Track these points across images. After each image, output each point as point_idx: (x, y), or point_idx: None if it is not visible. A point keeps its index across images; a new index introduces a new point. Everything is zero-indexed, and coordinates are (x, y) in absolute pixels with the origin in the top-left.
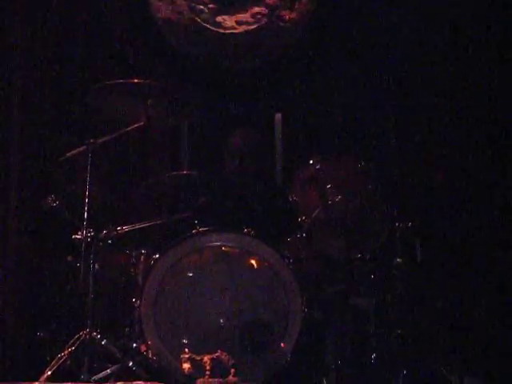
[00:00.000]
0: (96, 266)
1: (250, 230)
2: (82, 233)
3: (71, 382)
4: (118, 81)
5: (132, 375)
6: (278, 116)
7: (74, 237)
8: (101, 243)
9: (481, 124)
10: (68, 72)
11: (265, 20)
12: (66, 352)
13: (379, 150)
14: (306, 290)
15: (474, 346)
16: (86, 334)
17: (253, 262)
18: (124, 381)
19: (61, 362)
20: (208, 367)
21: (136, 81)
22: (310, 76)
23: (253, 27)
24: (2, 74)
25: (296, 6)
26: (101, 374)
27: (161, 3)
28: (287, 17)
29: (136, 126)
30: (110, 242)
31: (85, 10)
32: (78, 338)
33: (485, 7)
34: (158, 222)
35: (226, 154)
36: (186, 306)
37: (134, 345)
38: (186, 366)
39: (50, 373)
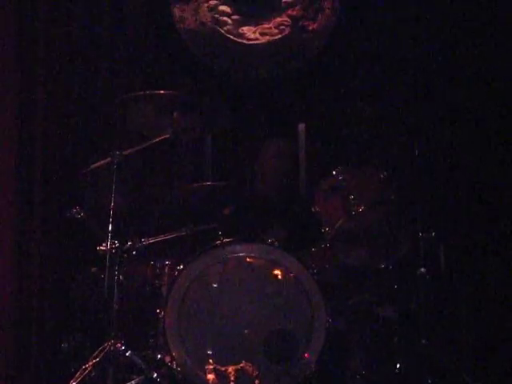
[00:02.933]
0: (120, 278)
1: (274, 240)
2: (107, 244)
3: None
4: (143, 92)
5: None
6: (302, 126)
7: (98, 248)
8: (125, 254)
9: (507, 134)
10: (93, 84)
11: (288, 31)
12: (91, 363)
13: (402, 159)
14: (330, 300)
15: (500, 356)
16: (110, 346)
17: (277, 272)
18: None
19: (85, 373)
20: (233, 378)
21: (161, 92)
22: (333, 86)
23: (276, 38)
24: (26, 85)
25: (319, 17)
26: None
27: (184, 14)
28: (310, 27)
29: (162, 138)
30: (134, 253)
31: (109, 21)
32: (103, 350)
33: None
34: (183, 233)
35: (250, 163)
36: (210, 316)
37: (159, 356)
38: (211, 376)
39: None
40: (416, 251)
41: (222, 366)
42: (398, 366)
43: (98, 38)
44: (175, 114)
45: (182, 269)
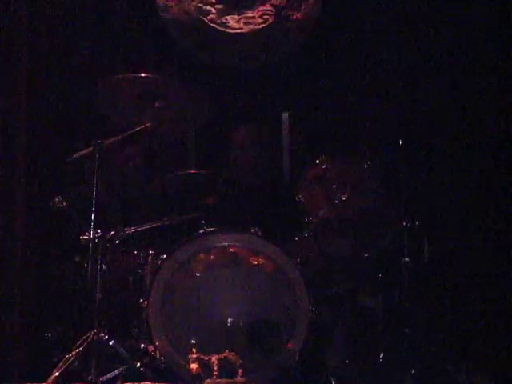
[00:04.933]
0: (103, 267)
1: (257, 229)
2: (90, 233)
3: (79, 382)
4: (125, 75)
5: (140, 376)
6: (285, 115)
7: (81, 237)
8: (108, 244)
9: (489, 123)
10: (75, 72)
11: (272, 20)
12: (74, 353)
13: (386, 149)
14: (313, 289)
15: (482, 345)
16: (93, 335)
17: (260, 261)
18: (132, 382)
19: (68, 362)
20: (216, 367)
21: (143, 75)
22: (317, 75)
23: (260, 27)
24: (8, 73)
25: (303, 7)
26: (108, 375)
27: (168, 3)
28: (294, 17)
29: (143, 127)
30: (117, 242)
31: (92, 9)
32: (86, 339)
33: None
34: (166, 222)
35: (231, 151)
36: (193, 306)
37: (142, 345)
38: (194, 366)
39: (57, 374)
40: (400, 241)
41: (206, 355)
42: (381, 355)
43: (80, 25)
44: (157, 104)
45: (166, 258)
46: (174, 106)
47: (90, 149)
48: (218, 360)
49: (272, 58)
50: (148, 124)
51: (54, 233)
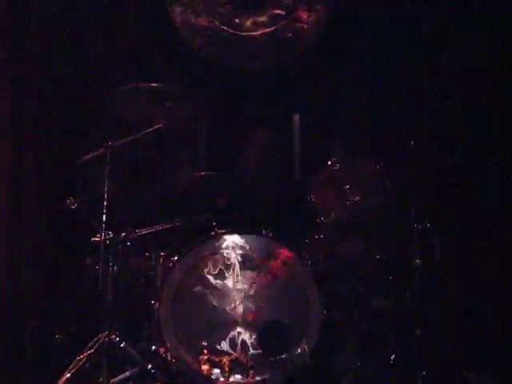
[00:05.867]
0: (115, 269)
1: (268, 231)
2: (101, 235)
3: None
4: (136, 84)
5: (151, 378)
6: (296, 117)
7: (93, 239)
8: (120, 245)
9: (500, 125)
10: (86, 74)
11: (283, 21)
12: (85, 354)
13: (397, 151)
14: (324, 290)
15: (493, 347)
16: (104, 337)
17: (271, 263)
18: (143, 383)
19: (80, 364)
20: (227, 369)
21: (154, 84)
22: (329, 77)
23: (271, 29)
24: (19, 76)
25: (314, 8)
26: (120, 377)
27: (179, 6)
28: (305, 18)
29: (154, 128)
30: (128, 244)
31: (102, 12)
32: (97, 341)
33: None
34: (177, 223)
35: (244, 153)
36: (204, 308)
37: (153, 347)
38: (205, 367)
39: (69, 375)
40: (411, 242)
41: (217, 356)
42: (392, 356)
43: (91, 28)
44: (168, 104)
45: (177, 260)
46: (184, 106)
47: (102, 150)
48: (229, 361)
49: (283, 59)
50: (160, 125)
51: (66, 234)
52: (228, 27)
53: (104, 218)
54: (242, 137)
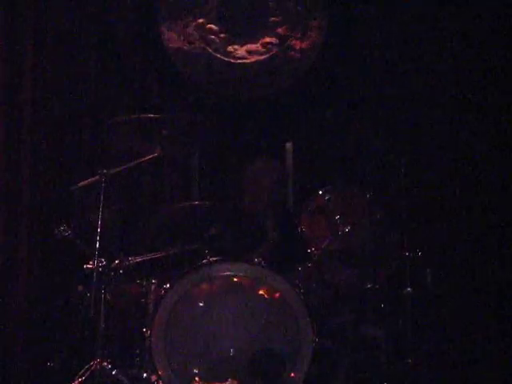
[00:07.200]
0: (107, 296)
1: (260, 260)
2: (94, 262)
3: None
4: (131, 116)
5: None
6: (289, 145)
7: (85, 266)
8: (112, 273)
9: (493, 159)
10: (80, 102)
11: (276, 49)
12: (77, 382)
13: (388, 180)
14: (316, 319)
15: (486, 376)
16: (96, 364)
17: (263, 291)
18: None
19: None
20: None
21: (150, 115)
22: (321, 105)
23: (264, 57)
24: (14, 103)
25: (307, 36)
26: None
27: (172, 33)
28: (298, 46)
29: (150, 157)
30: (121, 271)
31: (97, 40)
32: (89, 368)
33: None
34: (170, 252)
35: (242, 183)
36: (196, 335)
37: (145, 375)
38: None
39: None
40: (402, 271)
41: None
42: None
43: (85, 58)
44: (164, 133)
45: (169, 287)
46: (179, 135)
47: (96, 177)
48: None
49: (276, 87)
50: (155, 154)
51: (58, 261)
52: (221, 55)
53: (97, 246)
54: (236, 165)
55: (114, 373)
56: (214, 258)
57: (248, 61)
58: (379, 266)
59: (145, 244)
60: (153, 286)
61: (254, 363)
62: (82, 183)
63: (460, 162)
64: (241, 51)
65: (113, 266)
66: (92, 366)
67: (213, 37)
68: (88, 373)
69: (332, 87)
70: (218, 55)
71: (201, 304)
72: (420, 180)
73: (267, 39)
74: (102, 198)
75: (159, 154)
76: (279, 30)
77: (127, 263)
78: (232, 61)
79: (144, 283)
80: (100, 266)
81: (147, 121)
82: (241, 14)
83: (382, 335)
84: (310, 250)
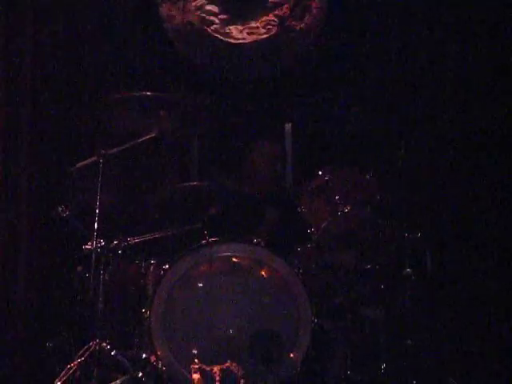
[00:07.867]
0: (106, 277)
1: (259, 240)
2: (92, 243)
3: None
4: (129, 93)
5: None
6: (288, 126)
7: (84, 247)
8: (111, 254)
9: (492, 133)
10: (79, 82)
11: (275, 30)
12: (76, 363)
13: (388, 160)
14: (315, 300)
15: (485, 357)
16: (95, 345)
17: (263, 272)
18: None
19: (70, 372)
20: (218, 378)
21: (147, 93)
22: (320, 86)
23: (263, 37)
24: (13, 84)
25: (306, 17)
26: None
27: (171, 13)
28: (297, 27)
29: (148, 137)
30: (120, 252)
31: (95, 21)
32: (88, 349)
33: None
34: (168, 232)
35: (248, 167)
36: (195, 316)
37: (144, 355)
38: (196, 376)
39: (59, 383)
40: (402, 252)
41: (208, 365)
42: (383, 366)
43: (84, 37)
44: (162, 113)
45: (168, 268)
46: (177, 115)
47: (94, 158)
48: (220, 370)
49: (275, 68)
50: (153, 134)
51: (57, 242)
52: (220, 35)
53: (96, 226)
54: (235, 146)
55: (113, 353)
56: (214, 239)
57: (247, 41)
58: (379, 246)
59: (144, 224)
60: (152, 267)
61: (253, 344)
62: (80, 164)
63: (461, 142)
64: (240, 32)
65: (112, 246)
66: (91, 346)
67: (212, 17)
68: (87, 353)
69: (332, 68)
70: (218, 36)
71: (200, 284)
72: (420, 160)
73: (266, 19)
74: (100, 178)
75: (157, 135)
76: (279, 11)
77: (126, 244)
78: (231, 41)
79: (143, 264)
80: (99, 247)
81: (145, 99)
82: None
83: (382, 316)
84: (310, 230)
